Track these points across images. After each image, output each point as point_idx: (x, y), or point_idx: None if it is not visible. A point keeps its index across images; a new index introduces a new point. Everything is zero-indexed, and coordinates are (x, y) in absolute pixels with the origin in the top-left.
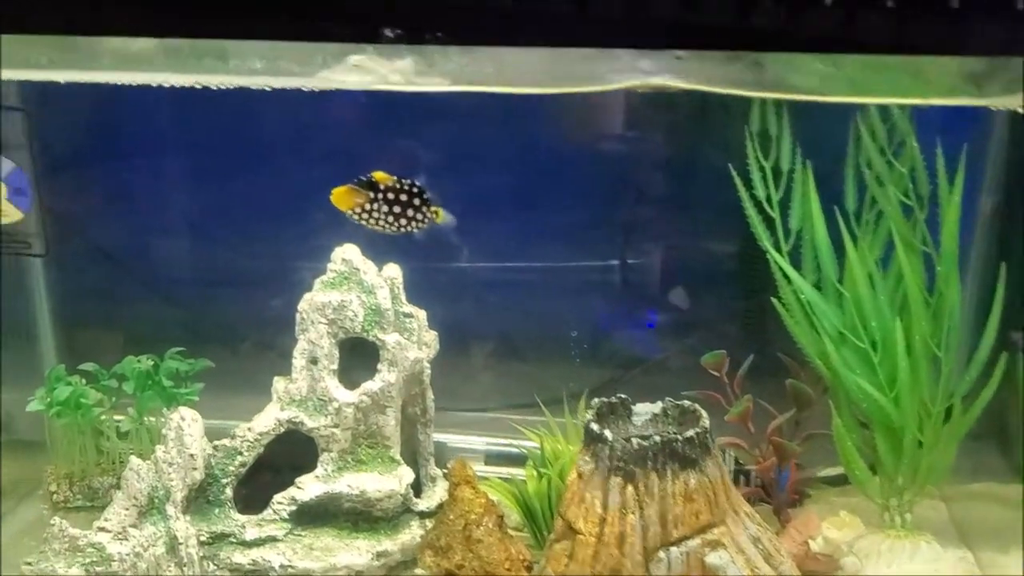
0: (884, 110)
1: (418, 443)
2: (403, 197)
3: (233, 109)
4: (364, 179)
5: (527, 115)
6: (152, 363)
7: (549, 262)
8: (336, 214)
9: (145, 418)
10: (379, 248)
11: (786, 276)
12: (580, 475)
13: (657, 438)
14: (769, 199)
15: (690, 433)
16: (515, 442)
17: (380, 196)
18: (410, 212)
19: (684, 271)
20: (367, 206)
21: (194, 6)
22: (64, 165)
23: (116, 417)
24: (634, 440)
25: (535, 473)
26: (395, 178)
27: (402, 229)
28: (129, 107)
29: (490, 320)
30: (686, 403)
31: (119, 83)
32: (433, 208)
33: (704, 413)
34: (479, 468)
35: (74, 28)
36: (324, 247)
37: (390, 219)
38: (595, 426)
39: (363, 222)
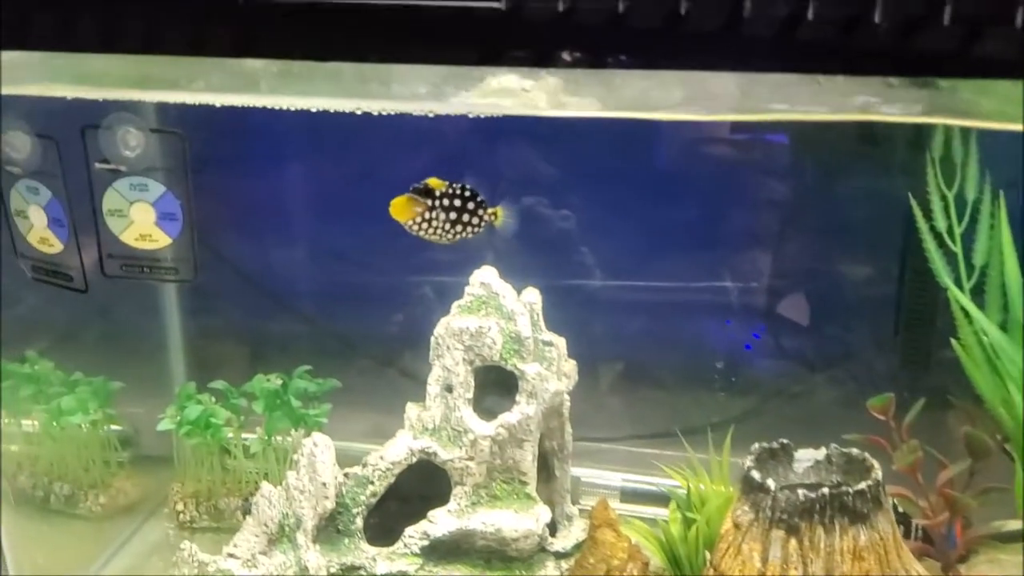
0: None
1: (554, 479)
2: (457, 202)
3: (375, 132)
4: (420, 186)
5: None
6: (281, 382)
7: (694, 282)
8: None
9: (273, 438)
10: (511, 269)
11: (967, 315)
12: (737, 525)
13: (826, 490)
14: (951, 231)
15: (862, 485)
16: (655, 481)
17: (437, 203)
18: (466, 217)
19: (840, 300)
20: (426, 215)
21: (356, 28)
22: (207, 187)
23: (244, 436)
24: (800, 492)
25: (680, 516)
26: (447, 183)
27: (458, 236)
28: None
29: (622, 343)
30: (854, 451)
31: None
32: (490, 210)
33: (876, 464)
34: (614, 506)
35: (234, 51)
36: (444, 261)
37: (447, 226)
38: (756, 475)
39: (422, 232)
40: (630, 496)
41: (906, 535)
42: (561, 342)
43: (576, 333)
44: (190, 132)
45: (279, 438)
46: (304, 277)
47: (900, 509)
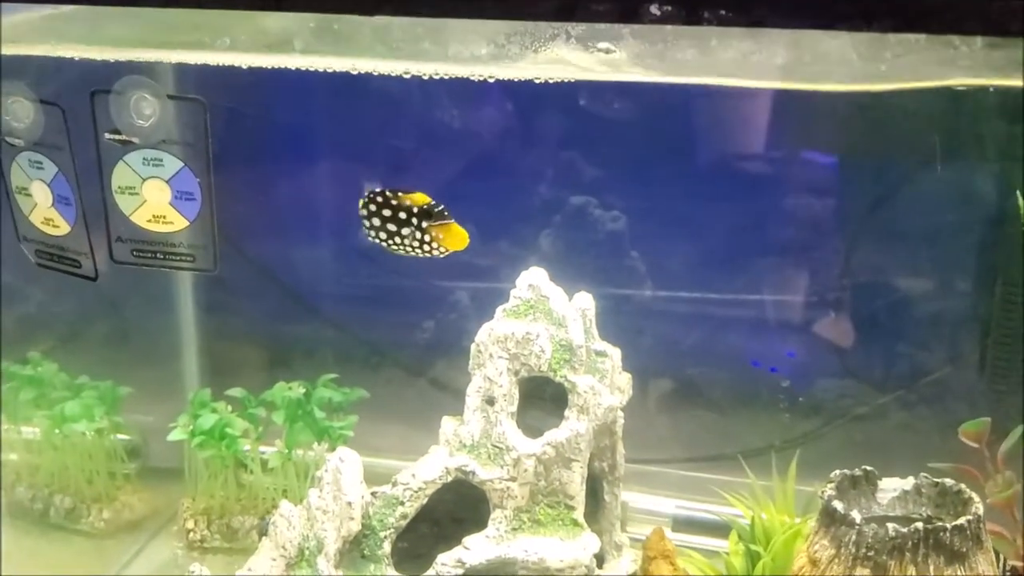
0: None
1: (603, 504)
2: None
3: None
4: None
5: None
6: (304, 391)
7: (748, 293)
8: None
9: (294, 452)
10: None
11: None
12: (814, 561)
13: (920, 525)
14: None
15: (962, 521)
16: (713, 508)
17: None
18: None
19: (914, 309)
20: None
21: None
22: (229, 167)
23: (261, 449)
24: (890, 526)
25: (743, 549)
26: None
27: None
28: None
29: (675, 357)
30: (948, 482)
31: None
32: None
33: (975, 497)
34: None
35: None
36: (481, 266)
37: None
38: (838, 505)
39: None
40: (683, 525)
41: None
42: (615, 353)
43: (630, 344)
44: (212, 101)
45: (300, 452)
46: (332, 276)
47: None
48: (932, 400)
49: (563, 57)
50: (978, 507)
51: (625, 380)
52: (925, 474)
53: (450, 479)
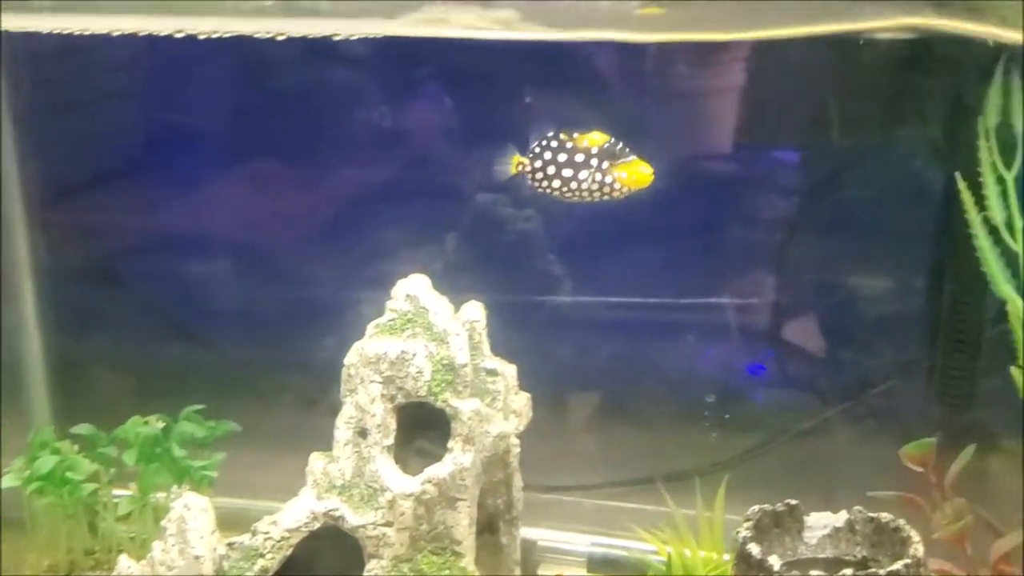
0: None
1: (500, 547)
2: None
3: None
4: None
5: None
6: (163, 425)
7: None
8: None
9: (151, 496)
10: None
11: None
12: None
13: (848, 572)
14: (1010, 224)
15: (898, 566)
16: (631, 545)
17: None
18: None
19: (858, 311)
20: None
21: None
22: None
23: (117, 492)
24: (814, 574)
25: None
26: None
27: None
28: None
29: (597, 370)
30: (884, 516)
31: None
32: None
33: (914, 535)
34: None
35: None
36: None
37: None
38: (754, 549)
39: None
40: (600, 564)
41: None
42: (510, 371)
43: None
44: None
45: (162, 495)
46: (213, 290)
47: None
48: (882, 413)
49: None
50: (917, 548)
51: (522, 402)
52: (859, 508)
53: (318, 526)
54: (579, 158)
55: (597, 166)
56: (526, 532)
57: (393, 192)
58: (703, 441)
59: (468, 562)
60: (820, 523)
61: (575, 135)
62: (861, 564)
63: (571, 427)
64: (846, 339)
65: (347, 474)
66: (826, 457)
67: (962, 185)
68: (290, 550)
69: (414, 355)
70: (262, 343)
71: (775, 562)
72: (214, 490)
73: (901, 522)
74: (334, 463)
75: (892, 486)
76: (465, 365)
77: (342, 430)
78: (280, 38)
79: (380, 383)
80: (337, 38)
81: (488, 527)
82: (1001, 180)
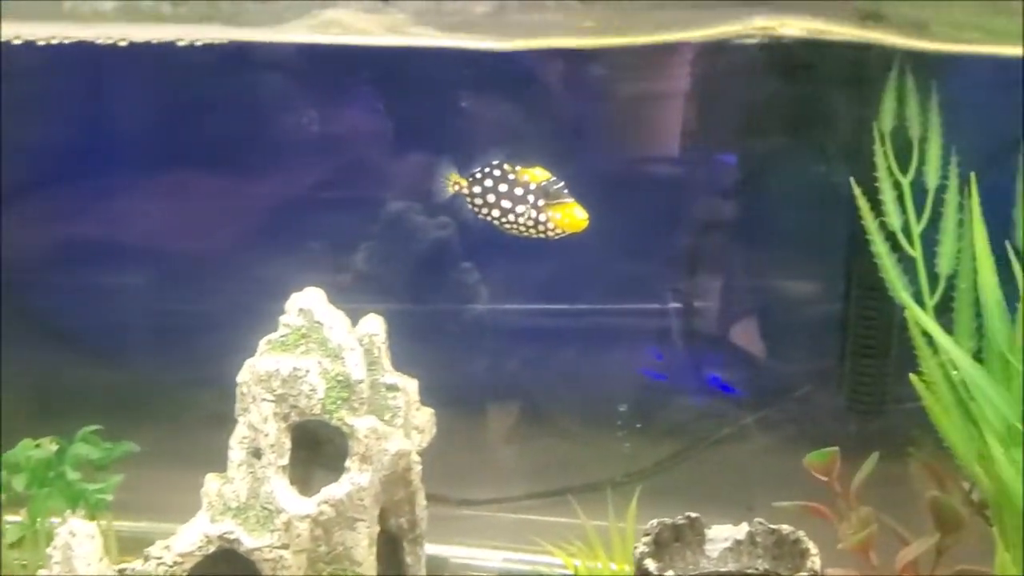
0: None
1: (405, 567)
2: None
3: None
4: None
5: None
6: (57, 447)
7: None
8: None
9: (42, 522)
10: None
11: (930, 342)
12: None
13: None
14: (907, 230)
15: None
16: (543, 560)
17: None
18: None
19: (771, 318)
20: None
21: None
22: None
23: (10, 518)
24: None
25: None
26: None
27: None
28: None
29: (510, 380)
30: (784, 528)
31: None
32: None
33: (812, 547)
34: None
35: None
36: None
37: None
38: (651, 565)
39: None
40: None
41: None
42: (411, 385)
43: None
44: None
45: (55, 520)
46: (111, 303)
47: None
48: (800, 420)
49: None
50: (814, 561)
51: (425, 417)
52: (760, 520)
53: (212, 549)
54: (518, 191)
55: (533, 203)
56: (437, 549)
57: (302, 202)
58: (618, 451)
59: None
60: (722, 536)
61: (518, 167)
62: None
63: (487, 439)
64: (763, 346)
65: (242, 496)
66: (742, 465)
67: (857, 191)
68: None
69: (307, 372)
70: (170, 359)
71: None
72: (119, 513)
73: (801, 534)
74: (229, 484)
75: (806, 495)
76: (361, 381)
77: (236, 450)
78: (123, 43)
79: (273, 401)
80: (181, 43)
81: (391, 547)
82: (897, 185)
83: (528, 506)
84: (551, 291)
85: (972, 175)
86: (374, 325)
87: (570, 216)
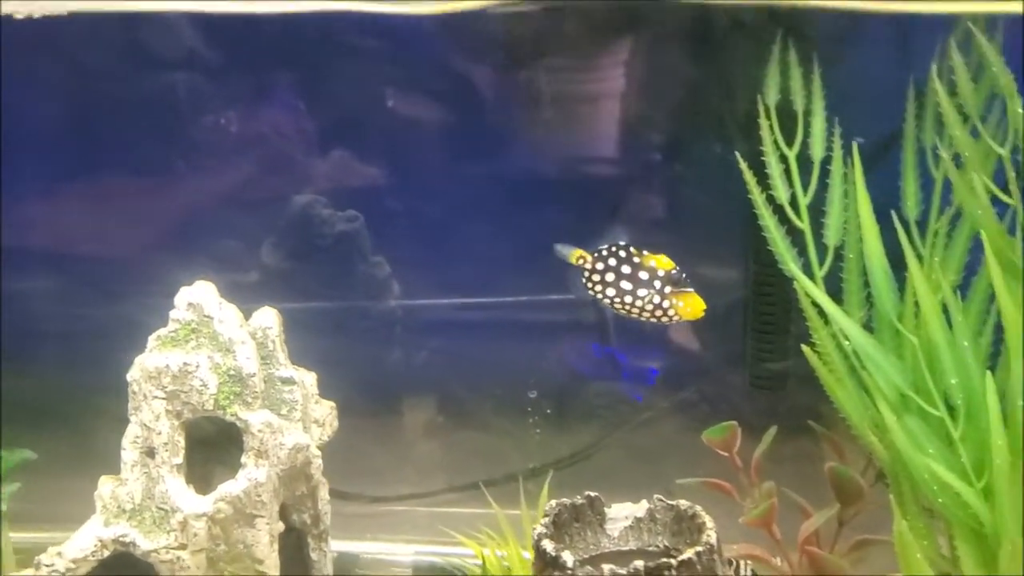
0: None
1: (310, 563)
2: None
3: None
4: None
5: None
6: None
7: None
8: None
9: None
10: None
11: (821, 313)
12: None
13: (639, 564)
14: (795, 202)
15: (689, 555)
16: (455, 552)
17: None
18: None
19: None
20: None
21: None
22: None
23: None
24: (606, 568)
25: None
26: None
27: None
28: None
29: (424, 373)
30: (682, 504)
31: None
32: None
33: (708, 521)
34: None
35: None
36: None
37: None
38: (549, 545)
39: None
40: (426, 573)
41: None
42: (309, 378)
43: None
44: None
45: None
46: (13, 308)
47: (753, 573)
48: (712, 401)
49: None
50: (710, 535)
51: (325, 411)
52: (659, 496)
53: (106, 554)
54: (642, 275)
55: (659, 289)
56: (349, 546)
57: (204, 199)
58: (533, 442)
59: None
60: (622, 515)
61: (644, 252)
62: (664, 554)
63: (403, 435)
64: (677, 329)
65: (136, 497)
66: (656, 450)
67: (743, 165)
68: None
69: (198, 367)
70: (74, 364)
71: (568, 558)
72: (17, 524)
73: (698, 509)
74: (123, 486)
75: (721, 474)
76: (254, 375)
77: (129, 451)
78: None
79: (164, 399)
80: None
81: (296, 544)
82: (783, 158)
83: (445, 500)
84: (465, 284)
85: (855, 144)
86: (268, 318)
87: (693, 305)
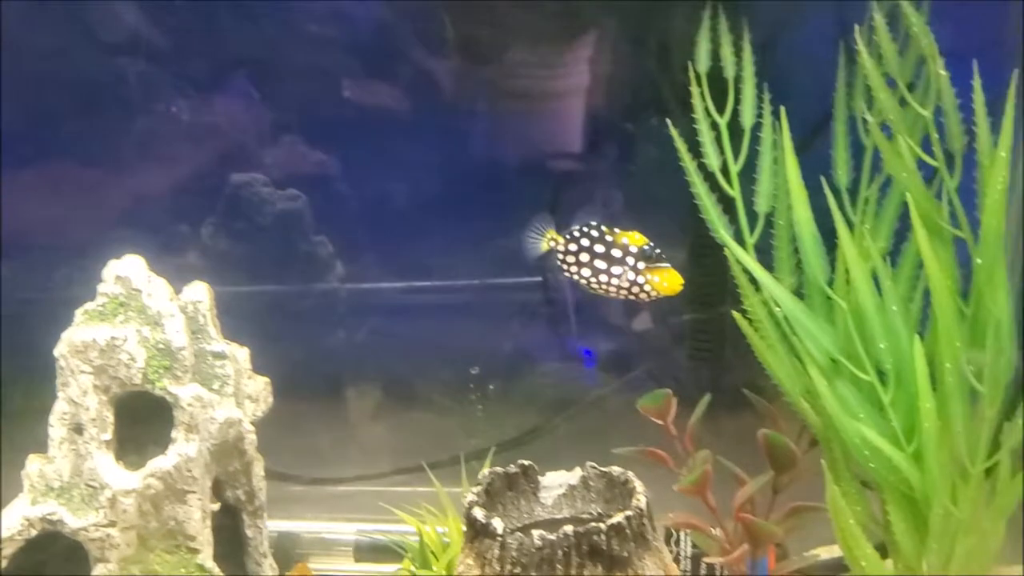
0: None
1: (246, 540)
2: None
3: None
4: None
5: None
6: None
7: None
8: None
9: None
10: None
11: (753, 280)
12: None
13: (569, 529)
14: (726, 170)
15: (619, 519)
16: (396, 529)
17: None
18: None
19: None
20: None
21: None
22: None
23: None
24: (536, 533)
25: (412, 574)
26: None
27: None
28: None
29: (371, 354)
30: (615, 471)
31: None
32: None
33: (639, 485)
34: (345, 568)
35: None
36: None
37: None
38: (479, 513)
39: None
40: (367, 552)
41: None
42: (242, 353)
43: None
44: None
45: None
46: None
47: (699, 547)
48: (659, 379)
49: None
50: (639, 499)
51: (259, 386)
52: (592, 464)
53: (35, 533)
54: (615, 253)
55: (633, 265)
56: (290, 525)
57: (144, 181)
58: (478, 422)
59: (205, 557)
60: (556, 483)
61: (616, 230)
62: (597, 521)
63: (347, 416)
64: (620, 310)
65: (64, 474)
66: (602, 428)
67: (674, 133)
68: (4, 563)
69: (125, 340)
70: (13, 349)
71: (498, 525)
72: None
73: (630, 475)
74: (50, 464)
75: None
76: (183, 348)
77: (56, 427)
78: None
79: (91, 373)
80: None
81: (232, 521)
82: (714, 126)
83: (389, 480)
84: (410, 265)
85: (782, 110)
86: (199, 292)
87: (670, 280)
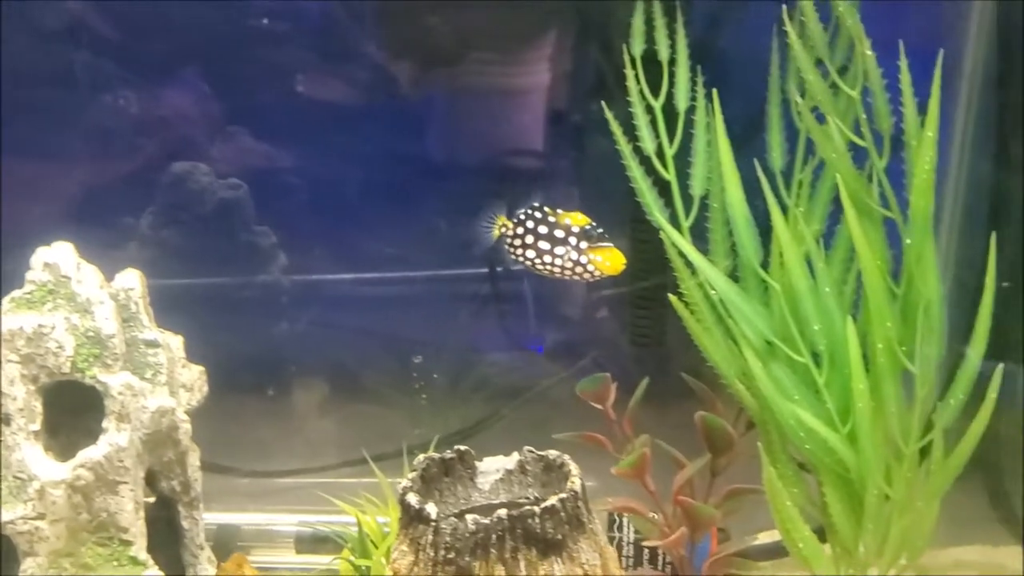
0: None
1: (181, 532)
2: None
3: None
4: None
5: None
6: None
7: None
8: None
9: None
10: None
11: (688, 263)
12: (396, 572)
13: (503, 513)
14: (661, 153)
15: (553, 501)
16: (335, 520)
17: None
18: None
19: None
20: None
21: None
22: None
23: None
24: (469, 518)
25: (351, 563)
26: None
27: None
28: None
29: (315, 346)
30: (551, 454)
31: None
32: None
33: (574, 468)
34: (286, 560)
35: None
36: None
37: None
38: (413, 499)
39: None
40: (308, 544)
41: (652, 565)
42: (175, 342)
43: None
44: None
45: None
46: None
47: (640, 532)
48: (604, 367)
49: None
50: (574, 482)
51: (194, 375)
52: (529, 448)
53: None
54: (558, 234)
55: (575, 245)
56: (230, 518)
57: (83, 170)
58: (418, 411)
59: (139, 550)
60: (493, 468)
61: (559, 211)
62: (517, 507)
63: (287, 407)
64: (566, 299)
65: None
66: (550, 418)
67: (609, 115)
68: None
69: (53, 328)
70: None
71: (431, 510)
72: None
73: (566, 458)
74: None
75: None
76: (113, 336)
77: None
78: None
79: (18, 362)
80: None
81: (167, 513)
82: (649, 109)
83: (336, 472)
84: (356, 257)
85: (715, 93)
86: (130, 279)
87: (612, 259)
